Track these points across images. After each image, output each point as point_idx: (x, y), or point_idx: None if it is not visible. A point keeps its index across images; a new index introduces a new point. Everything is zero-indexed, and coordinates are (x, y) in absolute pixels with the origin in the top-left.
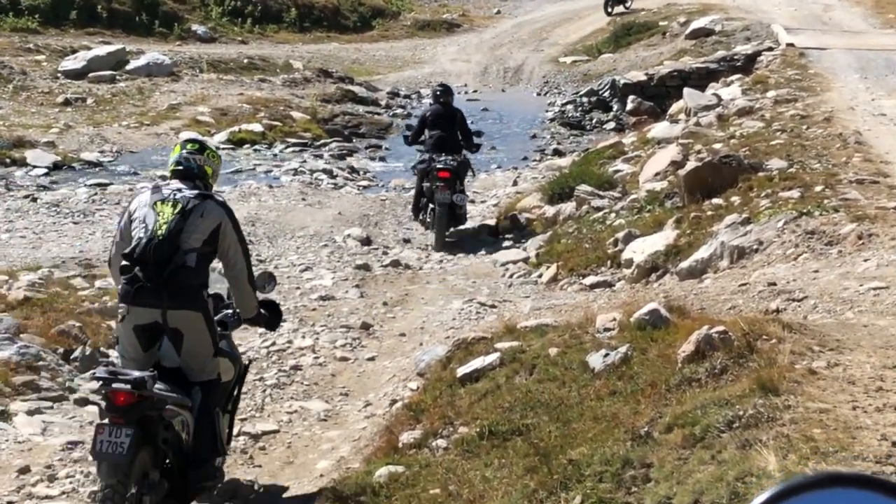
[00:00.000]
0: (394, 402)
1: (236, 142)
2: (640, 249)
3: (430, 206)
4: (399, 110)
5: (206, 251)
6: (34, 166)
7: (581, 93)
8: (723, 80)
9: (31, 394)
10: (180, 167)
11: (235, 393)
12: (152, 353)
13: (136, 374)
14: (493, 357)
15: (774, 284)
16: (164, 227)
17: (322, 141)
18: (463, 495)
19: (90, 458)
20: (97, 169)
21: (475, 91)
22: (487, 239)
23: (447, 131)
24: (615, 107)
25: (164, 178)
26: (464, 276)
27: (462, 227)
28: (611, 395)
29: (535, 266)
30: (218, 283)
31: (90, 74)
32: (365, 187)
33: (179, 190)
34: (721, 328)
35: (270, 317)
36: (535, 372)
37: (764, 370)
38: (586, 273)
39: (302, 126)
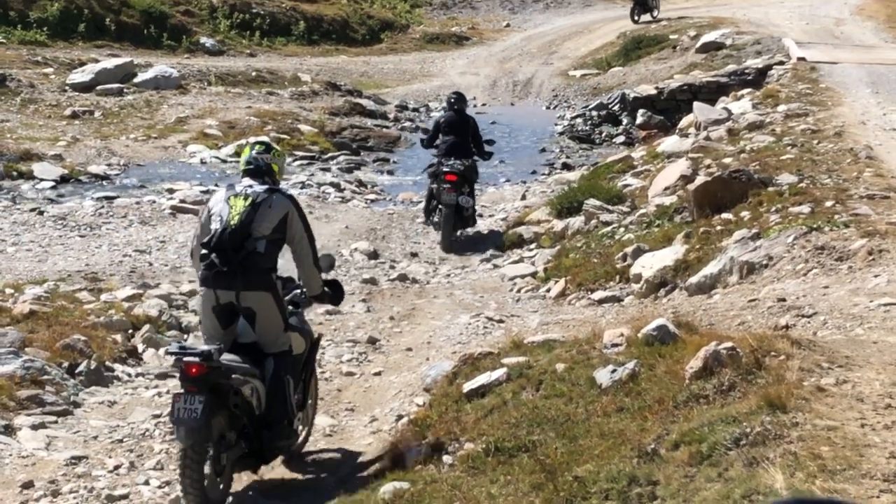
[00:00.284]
0: (400, 417)
1: None
2: (649, 264)
3: (440, 207)
4: (407, 123)
5: (275, 238)
6: (41, 179)
7: (590, 106)
8: (733, 94)
9: (36, 408)
10: (250, 166)
11: (309, 364)
12: (231, 330)
13: (204, 347)
14: (499, 372)
15: (784, 300)
16: (237, 217)
17: (330, 154)
18: None
19: (90, 473)
20: (104, 182)
21: (484, 104)
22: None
23: (459, 137)
24: (625, 120)
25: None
26: (471, 290)
27: (471, 229)
28: (618, 412)
29: (544, 281)
30: (287, 266)
31: (98, 87)
32: (373, 201)
33: (250, 185)
34: (729, 344)
35: (334, 294)
36: (542, 388)
37: (772, 387)
38: (595, 288)
39: (310, 139)
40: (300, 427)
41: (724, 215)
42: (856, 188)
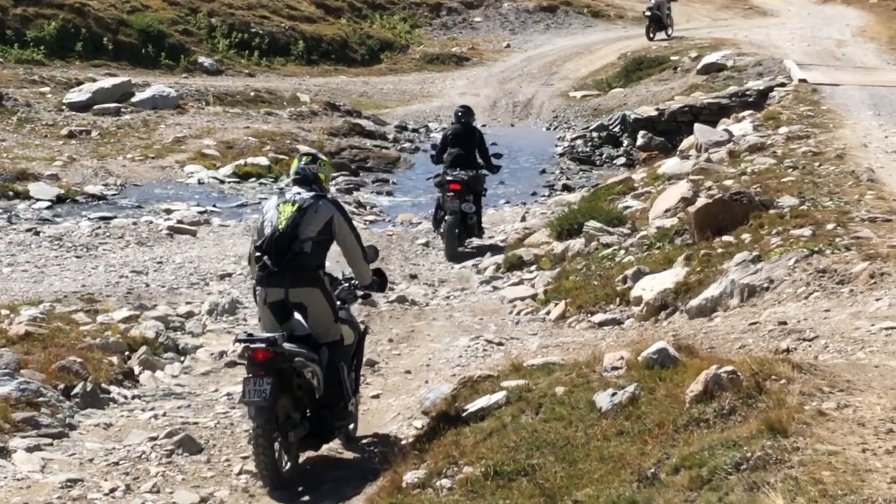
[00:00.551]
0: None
1: (242, 175)
2: (650, 287)
3: (447, 217)
4: (407, 144)
5: (322, 239)
6: (37, 199)
7: (591, 128)
8: (734, 115)
9: (31, 430)
10: (299, 175)
11: (358, 354)
12: (287, 325)
13: (269, 334)
14: (499, 396)
15: (785, 324)
16: (284, 222)
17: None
18: None
19: (85, 496)
20: (101, 202)
21: (484, 125)
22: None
23: (465, 149)
24: (625, 142)
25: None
26: (471, 312)
27: (478, 239)
28: (618, 436)
29: (543, 303)
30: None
31: (95, 107)
32: (372, 222)
33: (298, 193)
34: (730, 368)
35: (380, 282)
36: (542, 411)
37: (773, 411)
38: (595, 310)
39: None
40: (354, 410)
41: (725, 238)
42: (857, 211)
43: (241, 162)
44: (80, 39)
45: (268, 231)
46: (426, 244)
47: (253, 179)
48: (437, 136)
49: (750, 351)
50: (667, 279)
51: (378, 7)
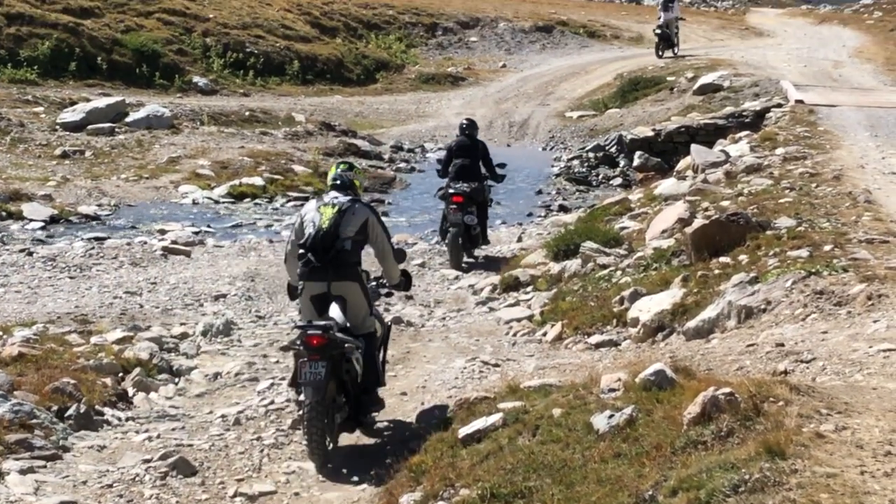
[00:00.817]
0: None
1: (237, 195)
2: (647, 308)
3: (450, 228)
4: (403, 164)
5: (358, 239)
6: (30, 219)
7: (587, 148)
8: (731, 136)
9: (24, 452)
10: (336, 181)
11: (384, 346)
12: (325, 317)
13: (323, 322)
14: (495, 417)
15: (782, 345)
16: (327, 223)
17: None
18: None
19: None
20: (94, 223)
21: None
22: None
23: (469, 161)
24: (622, 162)
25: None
26: (467, 333)
27: (483, 249)
28: (615, 458)
29: (540, 324)
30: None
31: (89, 126)
32: None
33: (336, 197)
34: (728, 390)
35: (406, 282)
36: (539, 433)
37: (771, 433)
38: (591, 332)
39: (303, 180)
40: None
41: (722, 259)
42: (855, 232)
43: (236, 182)
44: (73, 59)
45: (309, 230)
46: (422, 265)
47: (248, 200)
48: (433, 157)
49: (747, 373)
50: (664, 300)
51: (373, 27)
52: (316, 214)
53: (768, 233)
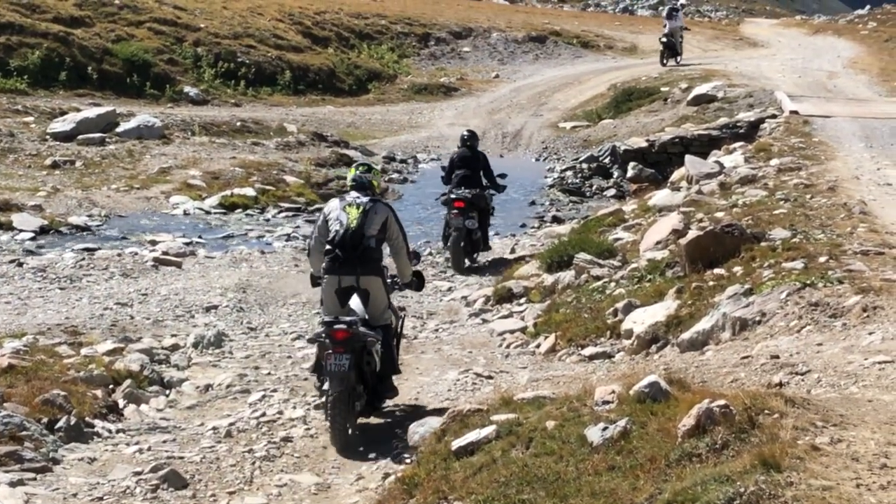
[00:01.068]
0: (386, 475)
1: (228, 206)
2: (641, 320)
3: (452, 232)
4: (395, 175)
5: (380, 237)
6: (20, 230)
7: (581, 159)
8: (725, 147)
9: (14, 464)
10: (355, 182)
11: (399, 336)
12: (347, 309)
13: (348, 318)
14: (488, 430)
15: (777, 357)
16: (355, 221)
17: (316, 206)
18: None
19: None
20: (85, 233)
21: None
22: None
23: (470, 171)
24: (615, 173)
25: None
26: (460, 345)
27: (485, 253)
28: (609, 471)
29: (533, 336)
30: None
31: (79, 137)
32: None
33: (358, 197)
34: (722, 402)
35: (418, 283)
36: (532, 445)
37: (766, 446)
38: (585, 344)
39: (295, 190)
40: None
41: (717, 270)
42: (850, 244)
43: (228, 193)
44: (64, 69)
45: (336, 228)
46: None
47: (239, 210)
48: (426, 168)
49: (742, 385)
50: (658, 312)
51: (366, 37)
52: (342, 214)
53: (763, 244)
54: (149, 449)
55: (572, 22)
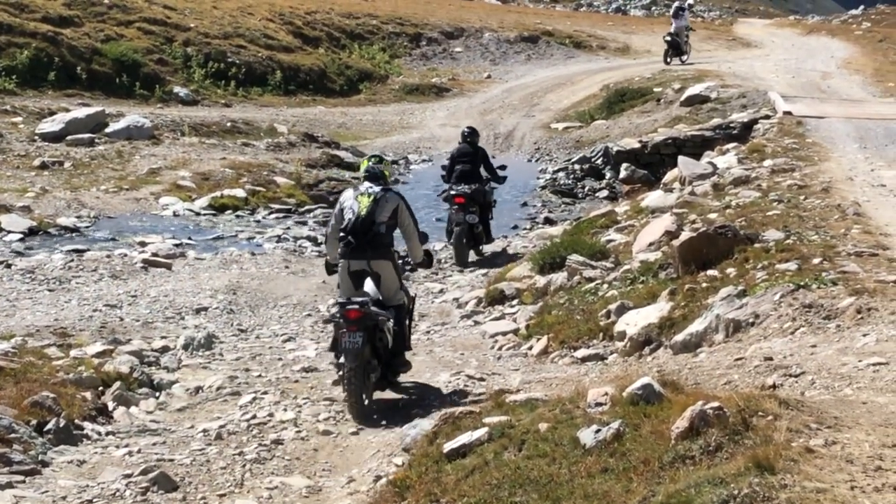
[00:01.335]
0: (378, 478)
1: (218, 207)
2: (634, 322)
3: (454, 227)
4: None
5: (391, 223)
6: (9, 231)
7: (573, 160)
8: (718, 148)
9: (3, 467)
10: (368, 173)
11: (411, 315)
12: (360, 291)
13: (360, 298)
14: (481, 432)
15: (771, 359)
16: (365, 209)
17: (307, 207)
18: None
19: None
20: (74, 234)
21: None
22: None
23: (470, 166)
24: (608, 175)
25: None
26: (451, 347)
27: (489, 246)
28: (602, 473)
29: (526, 338)
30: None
31: (68, 137)
32: None
33: (370, 186)
34: (716, 404)
35: (428, 261)
36: (525, 448)
37: (760, 448)
38: (578, 345)
39: (286, 191)
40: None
41: (710, 272)
42: (843, 245)
43: (218, 194)
44: (53, 69)
45: (349, 216)
46: (406, 277)
47: (229, 212)
48: (417, 168)
49: (736, 387)
50: (651, 314)
51: (357, 37)
52: (354, 203)
53: (756, 246)
54: (138, 451)
55: (564, 22)
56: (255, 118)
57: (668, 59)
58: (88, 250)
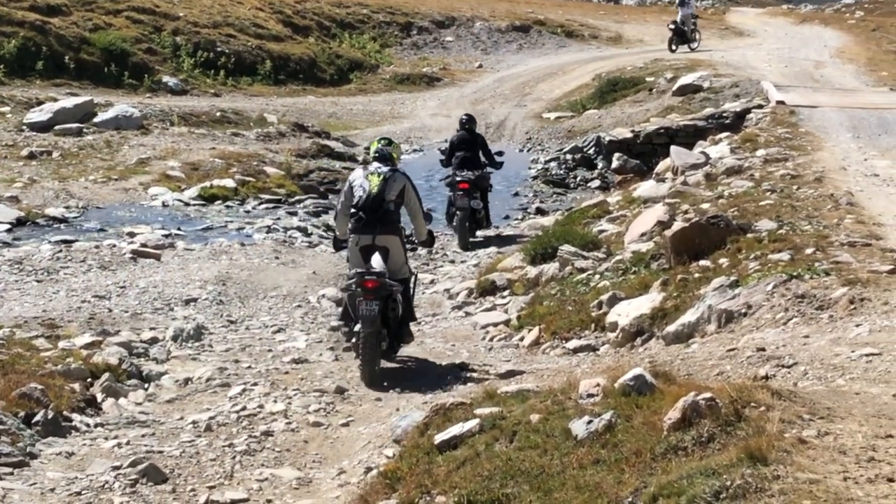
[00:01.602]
0: (369, 469)
1: (207, 198)
2: (625, 312)
3: (457, 212)
4: None
5: (398, 202)
6: None
7: (565, 150)
8: (711, 137)
9: None
10: (378, 154)
11: (414, 288)
12: (368, 265)
13: (377, 269)
14: (472, 423)
15: (763, 350)
16: (375, 188)
17: (297, 197)
18: None
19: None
20: (62, 225)
21: None
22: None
23: (470, 152)
24: (600, 164)
25: None
26: (442, 338)
27: (487, 230)
28: (594, 464)
29: (517, 329)
30: None
31: (56, 127)
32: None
33: (380, 167)
34: (708, 395)
35: (431, 240)
36: (516, 439)
37: (752, 439)
38: (569, 336)
39: (276, 182)
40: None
41: (702, 262)
42: (836, 235)
43: (207, 184)
44: (40, 58)
45: (360, 194)
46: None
47: (219, 202)
48: (408, 158)
49: (728, 378)
50: (643, 304)
51: (347, 26)
52: (364, 181)
53: (749, 236)
54: (127, 443)
55: (556, 11)
56: (244, 108)
57: (674, 47)
58: (77, 241)
